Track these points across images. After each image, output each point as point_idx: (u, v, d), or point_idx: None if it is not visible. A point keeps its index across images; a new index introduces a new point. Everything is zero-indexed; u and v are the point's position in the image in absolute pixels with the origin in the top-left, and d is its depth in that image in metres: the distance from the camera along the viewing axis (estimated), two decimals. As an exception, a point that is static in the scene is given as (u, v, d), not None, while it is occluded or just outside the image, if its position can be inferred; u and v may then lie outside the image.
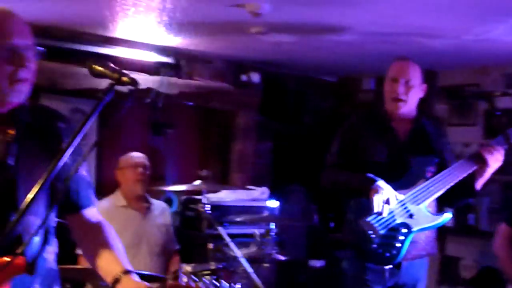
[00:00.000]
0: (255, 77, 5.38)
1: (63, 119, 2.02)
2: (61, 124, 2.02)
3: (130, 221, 4.02)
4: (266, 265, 3.74)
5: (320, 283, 3.90)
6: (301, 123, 5.96)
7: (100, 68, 1.68)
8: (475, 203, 4.99)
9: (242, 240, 3.91)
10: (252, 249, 3.74)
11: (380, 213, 3.09)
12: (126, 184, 4.08)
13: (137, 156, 4.19)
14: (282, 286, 4.85)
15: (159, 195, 5.04)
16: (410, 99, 3.26)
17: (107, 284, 2.03)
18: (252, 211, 4.48)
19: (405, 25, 3.83)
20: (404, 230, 3.15)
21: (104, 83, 1.64)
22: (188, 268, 3.77)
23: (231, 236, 3.53)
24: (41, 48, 1.88)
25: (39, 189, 1.53)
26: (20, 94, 1.84)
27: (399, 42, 4.28)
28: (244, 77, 5.38)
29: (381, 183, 3.08)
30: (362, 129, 3.37)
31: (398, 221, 3.15)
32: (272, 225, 3.79)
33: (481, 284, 4.78)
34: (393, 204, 3.09)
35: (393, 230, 3.16)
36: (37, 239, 1.95)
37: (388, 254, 3.20)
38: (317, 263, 4.99)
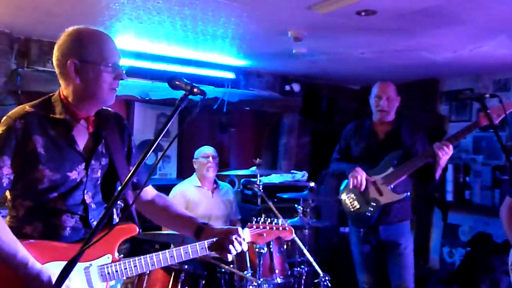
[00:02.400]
0: (297, 87, 5.34)
1: (124, 119, 2.08)
2: (125, 122, 2.08)
3: (203, 198, 4.06)
4: (306, 231, 3.72)
5: (348, 245, 3.88)
6: (332, 122, 5.90)
7: (177, 82, 1.69)
8: (470, 182, 4.87)
9: (287, 211, 3.90)
10: (295, 218, 3.72)
11: (353, 190, 3.43)
12: (200, 170, 4.12)
13: (208, 148, 4.22)
14: (318, 247, 4.82)
15: (224, 178, 5.08)
16: (391, 109, 3.48)
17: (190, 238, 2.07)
18: (295, 189, 4.46)
19: (412, 43, 3.74)
20: (374, 204, 3.39)
21: (181, 94, 1.66)
22: (247, 233, 3.77)
23: (279, 209, 3.52)
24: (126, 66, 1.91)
25: (132, 175, 1.53)
26: (112, 100, 1.88)
27: (408, 56, 4.18)
28: (288, 87, 5.35)
29: (358, 169, 3.42)
30: (353, 134, 3.65)
31: (371, 196, 3.41)
32: (311, 200, 3.77)
33: (475, 245, 4.66)
34: (364, 183, 3.38)
35: (367, 203, 3.43)
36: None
37: (362, 220, 3.47)
38: (345, 229, 4.93)
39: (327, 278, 3.13)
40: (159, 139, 1.57)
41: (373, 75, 5.10)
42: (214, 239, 1.98)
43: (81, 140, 1.87)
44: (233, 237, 1.95)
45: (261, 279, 3.05)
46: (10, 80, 3.76)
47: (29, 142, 1.74)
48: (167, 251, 1.93)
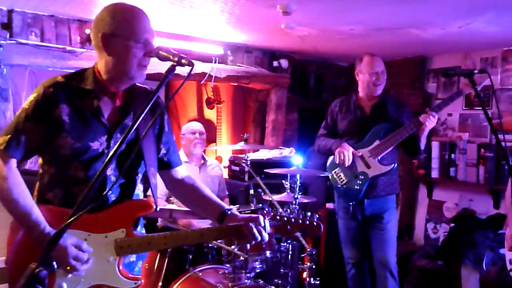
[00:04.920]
0: (285, 63, 5.29)
1: (158, 97, 2.01)
2: (159, 99, 2.05)
3: (190, 173, 4.02)
4: (293, 206, 3.72)
5: (334, 220, 3.92)
6: (320, 99, 5.87)
7: (164, 53, 1.67)
8: (455, 159, 4.89)
9: (275, 187, 3.88)
10: (283, 194, 3.71)
11: (340, 164, 3.42)
12: (187, 146, 4.08)
13: (195, 124, 4.18)
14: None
15: (212, 154, 5.06)
16: (383, 83, 3.51)
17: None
18: (283, 166, 4.45)
19: (401, 19, 3.70)
20: (362, 177, 3.41)
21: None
22: (234, 209, 3.75)
23: (267, 184, 3.51)
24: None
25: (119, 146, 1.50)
26: (142, 77, 1.86)
27: (396, 33, 4.13)
28: (276, 63, 5.29)
29: (344, 144, 3.42)
30: (339, 109, 3.63)
31: (359, 170, 3.43)
32: (298, 176, 3.75)
33: (460, 221, 4.70)
34: (351, 157, 3.37)
35: (355, 177, 3.44)
36: (154, 182, 1.98)
37: (351, 194, 3.48)
38: (332, 205, 4.94)
39: (313, 252, 3.13)
40: (144, 113, 1.52)
41: (362, 52, 5.05)
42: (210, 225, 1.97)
43: (107, 112, 1.88)
44: (253, 225, 1.90)
45: (249, 254, 3.05)
46: (-8, 52, 3.65)
47: (56, 109, 1.80)
48: (181, 231, 1.92)
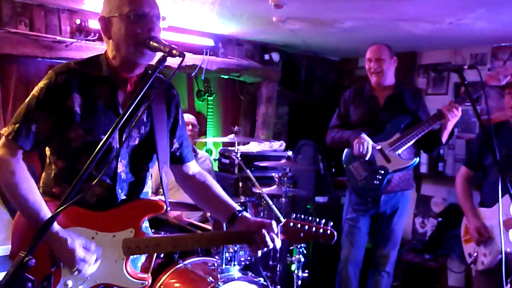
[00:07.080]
0: (276, 56, 5.28)
1: (174, 87, 1.96)
2: (174, 91, 1.97)
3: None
4: (283, 199, 3.73)
5: (323, 213, 3.91)
6: (311, 93, 5.88)
7: (155, 44, 1.63)
8: (443, 155, 4.93)
9: (264, 180, 3.89)
10: (272, 187, 3.72)
11: (360, 156, 3.23)
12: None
13: (188, 116, 4.17)
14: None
15: (202, 146, 5.05)
16: (385, 70, 3.36)
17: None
18: (273, 159, 4.46)
19: (392, 14, 3.70)
20: (382, 172, 3.26)
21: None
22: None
23: (256, 177, 3.50)
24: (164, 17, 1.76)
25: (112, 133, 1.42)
26: (145, 56, 1.72)
27: (387, 28, 4.14)
28: (267, 56, 5.28)
29: (362, 135, 3.23)
30: (353, 99, 3.49)
31: (378, 164, 3.27)
32: (288, 170, 3.76)
33: (447, 216, 4.75)
34: (370, 150, 3.19)
35: (374, 172, 3.28)
36: (166, 181, 1.89)
37: (370, 189, 3.33)
38: (321, 199, 4.97)
39: (302, 245, 3.15)
40: (135, 102, 1.49)
41: (352, 46, 5.08)
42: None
43: (122, 102, 1.78)
44: (265, 232, 1.81)
45: (237, 246, 3.06)
46: (-19, 41, 3.61)
47: (68, 99, 1.69)
48: (192, 234, 1.87)
